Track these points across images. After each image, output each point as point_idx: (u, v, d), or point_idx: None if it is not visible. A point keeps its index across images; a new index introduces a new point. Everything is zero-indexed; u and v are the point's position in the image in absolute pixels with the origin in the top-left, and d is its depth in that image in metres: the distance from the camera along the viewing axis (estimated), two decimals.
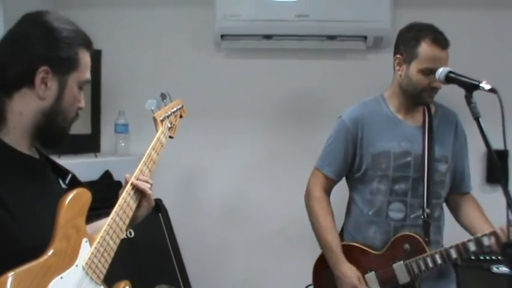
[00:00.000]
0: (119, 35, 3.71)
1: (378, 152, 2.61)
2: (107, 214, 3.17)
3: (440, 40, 2.50)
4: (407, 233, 2.55)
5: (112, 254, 1.79)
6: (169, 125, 2.25)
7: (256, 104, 3.64)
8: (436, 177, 2.60)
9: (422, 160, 2.58)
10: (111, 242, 1.79)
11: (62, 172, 1.92)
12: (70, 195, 1.70)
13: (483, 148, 2.19)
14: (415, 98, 2.58)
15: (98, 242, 1.74)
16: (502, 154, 3.57)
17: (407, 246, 2.53)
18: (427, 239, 2.54)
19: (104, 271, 1.75)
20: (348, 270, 2.61)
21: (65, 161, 3.20)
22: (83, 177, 3.29)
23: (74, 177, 1.93)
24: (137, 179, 1.96)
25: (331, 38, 3.38)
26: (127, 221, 1.88)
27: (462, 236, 2.52)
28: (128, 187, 1.93)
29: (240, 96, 3.66)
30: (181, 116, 2.41)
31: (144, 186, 1.94)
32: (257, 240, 3.64)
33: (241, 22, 3.34)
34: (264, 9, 3.33)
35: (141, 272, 3.10)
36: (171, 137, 2.26)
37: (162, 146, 2.14)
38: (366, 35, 3.37)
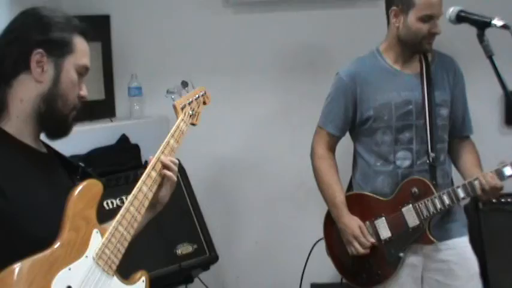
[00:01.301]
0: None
1: (379, 105, 2.63)
2: (126, 179, 3.23)
3: None
4: (415, 177, 2.58)
5: (126, 244, 1.77)
6: (190, 112, 2.23)
7: (267, 58, 3.62)
8: (438, 122, 2.64)
9: (424, 107, 2.60)
10: (124, 233, 1.76)
11: (73, 166, 1.91)
12: (79, 187, 1.68)
13: (501, 90, 2.17)
14: (415, 46, 2.61)
15: (110, 233, 1.72)
16: None
17: (415, 190, 2.57)
18: (434, 182, 2.57)
19: (117, 262, 1.73)
20: (349, 221, 2.66)
21: (81, 128, 3.29)
22: (99, 142, 3.36)
23: (84, 169, 1.92)
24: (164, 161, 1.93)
25: None
26: (142, 211, 1.85)
27: None
28: (144, 176, 1.90)
29: (250, 51, 3.63)
30: (204, 103, 2.38)
31: (169, 173, 1.93)
32: (277, 194, 3.67)
33: None
34: None
35: (163, 232, 3.14)
36: (193, 124, 2.25)
37: (182, 133, 2.10)
38: None
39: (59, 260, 1.57)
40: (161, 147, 1.98)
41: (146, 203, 1.86)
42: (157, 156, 1.94)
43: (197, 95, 2.32)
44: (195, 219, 3.29)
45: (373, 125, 2.65)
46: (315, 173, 2.80)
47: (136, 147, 3.48)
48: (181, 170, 3.39)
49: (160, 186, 1.94)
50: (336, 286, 3.11)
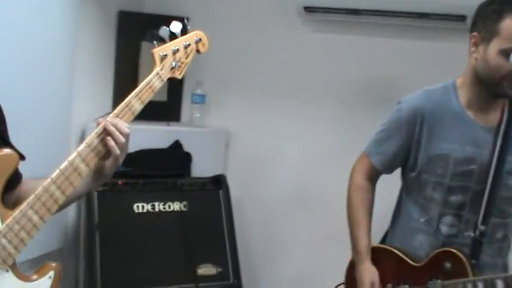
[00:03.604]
0: (207, 3, 3.55)
1: (435, 154, 2.19)
2: (163, 185, 3.09)
3: None
4: (451, 249, 2.14)
5: (34, 232, 1.49)
6: (173, 64, 1.77)
7: (339, 85, 3.35)
8: (503, 193, 2.16)
9: (489, 170, 2.14)
10: (35, 218, 1.48)
11: None
12: None
13: None
14: (493, 87, 2.10)
15: (14, 218, 1.46)
16: None
17: (448, 264, 2.12)
18: (474, 261, 2.12)
19: (16, 254, 1.47)
20: (365, 271, 2.28)
21: (136, 127, 3.19)
22: (152, 144, 3.25)
23: (2, 134, 1.65)
24: (108, 129, 1.60)
25: (423, 16, 2.98)
26: (68, 190, 1.53)
27: None
28: (82, 146, 1.59)
29: (321, 75, 3.37)
30: (198, 51, 1.88)
31: (112, 143, 1.60)
32: (325, 231, 3.34)
33: None
34: None
35: (189, 247, 3.00)
36: (174, 79, 1.83)
37: (152, 91, 1.71)
38: (465, 14, 2.87)
39: None
40: (118, 108, 1.65)
41: (77, 182, 1.56)
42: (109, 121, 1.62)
43: (187, 42, 1.82)
44: (227, 242, 3.09)
45: (423, 176, 2.23)
46: (347, 201, 2.42)
47: (187, 156, 3.34)
48: (225, 188, 3.23)
49: (105, 157, 1.63)
50: None
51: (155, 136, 3.33)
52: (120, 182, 2.99)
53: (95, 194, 2.88)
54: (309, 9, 3.16)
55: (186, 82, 3.57)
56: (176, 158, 3.33)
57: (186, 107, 3.60)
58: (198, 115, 3.52)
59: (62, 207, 1.58)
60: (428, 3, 2.94)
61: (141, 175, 3.09)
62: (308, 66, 3.40)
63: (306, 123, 3.41)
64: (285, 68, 3.44)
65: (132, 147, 3.07)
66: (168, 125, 3.47)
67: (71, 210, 3.07)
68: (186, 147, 3.36)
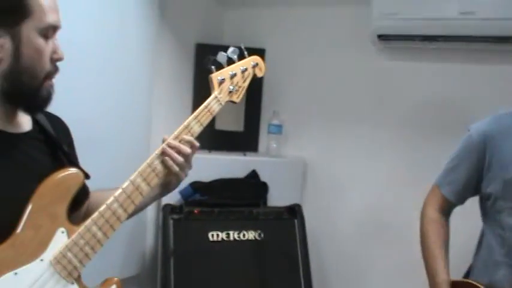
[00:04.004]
0: (282, 35, 3.63)
1: (510, 178, 2.09)
2: (239, 214, 3.11)
3: None
4: None
5: (98, 247, 1.55)
6: (231, 88, 1.82)
7: (415, 112, 3.29)
8: None
9: None
10: (99, 234, 1.54)
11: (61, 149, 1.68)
12: (51, 178, 1.49)
13: None
14: None
15: (79, 233, 1.51)
16: None
17: None
18: None
19: (81, 267, 1.53)
20: None
21: (213, 157, 3.27)
22: (229, 174, 3.30)
23: (68, 155, 1.68)
24: (166, 151, 1.68)
25: (501, 39, 2.90)
26: (130, 209, 1.60)
27: None
28: (143, 166, 1.65)
29: (398, 101, 3.34)
30: (255, 75, 1.94)
31: (171, 163, 1.68)
32: (402, 263, 3.27)
33: (399, 21, 3.01)
34: (423, 7, 2.96)
35: (263, 275, 3.02)
36: (232, 102, 1.86)
37: (211, 114, 1.77)
38: None
39: (5, 262, 1.40)
40: (178, 130, 1.71)
41: (138, 200, 1.62)
42: (168, 143, 1.70)
43: (244, 67, 1.88)
44: (301, 271, 3.08)
45: (498, 202, 2.14)
46: (421, 236, 2.34)
47: (263, 185, 3.37)
48: (300, 217, 3.23)
49: (169, 173, 1.70)
50: None
51: (232, 166, 3.38)
52: (195, 211, 3.06)
53: (171, 221, 2.96)
54: (382, 37, 3.14)
55: (263, 112, 3.64)
56: (252, 187, 3.36)
57: (263, 137, 3.64)
58: (274, 145, 3.54)
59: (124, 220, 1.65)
60: (505, 27, 2.85)
61: (217, 204, 3.15)
62: (384, 94, 3.37)
63: (383, 151, 3.37)
64: (360, 97, 3.43)
65: (209, 177, 3.22)
66: (245, 154, 3.51)
67: (149, 238, 3.17)
68: (263, 177, 3.39)
